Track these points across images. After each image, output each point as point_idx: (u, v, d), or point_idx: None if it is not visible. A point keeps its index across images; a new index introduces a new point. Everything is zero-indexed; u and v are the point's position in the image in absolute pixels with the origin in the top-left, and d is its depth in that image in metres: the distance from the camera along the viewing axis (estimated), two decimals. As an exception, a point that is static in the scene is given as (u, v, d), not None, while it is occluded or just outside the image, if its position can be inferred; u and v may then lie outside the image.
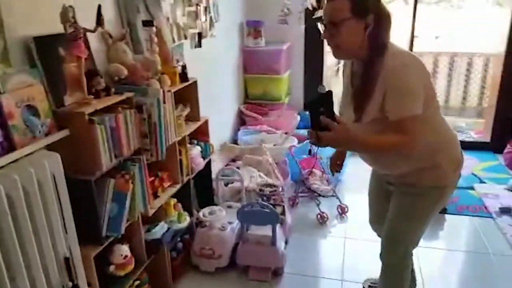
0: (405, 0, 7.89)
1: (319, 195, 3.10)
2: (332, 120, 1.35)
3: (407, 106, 1.41)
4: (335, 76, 4.90)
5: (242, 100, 4.12)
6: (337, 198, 3.06)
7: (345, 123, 1.39)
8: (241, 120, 4.03)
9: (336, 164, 2.02)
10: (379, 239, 2.71)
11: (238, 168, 3.06)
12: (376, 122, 1.48)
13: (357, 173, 3.60)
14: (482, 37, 4.80)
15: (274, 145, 3.55)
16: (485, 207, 3.03)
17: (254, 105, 4.09)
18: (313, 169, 3.13)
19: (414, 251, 1.82)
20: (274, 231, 2.28)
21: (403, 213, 1.69)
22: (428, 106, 1.47)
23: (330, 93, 1.37)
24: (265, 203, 2.41)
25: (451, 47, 5.07)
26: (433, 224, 2.90)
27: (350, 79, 1.62)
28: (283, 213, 2.56)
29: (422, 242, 2.54)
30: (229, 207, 2.68)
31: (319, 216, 2.91)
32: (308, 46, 4.11)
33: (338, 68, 4.82)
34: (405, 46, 4.56)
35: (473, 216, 2.96)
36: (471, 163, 3.66)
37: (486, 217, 2.94)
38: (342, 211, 3.01)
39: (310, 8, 3.76)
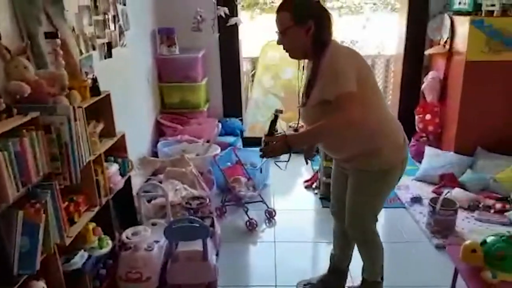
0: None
1: (246, 201, 3.09)
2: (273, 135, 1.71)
3: (339, 84, 1.60)
4: (251, 82, 4.98)
5: (159, 110, 3.99)
6: (264, 203, 3.08)
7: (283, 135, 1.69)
8: (160, 131, 3.89)
9: (309, 153, 2.14)
10: (309, 240, 2.84)
11: (160, 182, 2.94)
12: (317, 107, 1.72)
13: (282, 176, 3.69)
14: (383, 40, 5.19)
15: (197, 154, 3.47)
16: (398, 198, 3.26)
17: (172, 114, 3.98)
18: (239, 176, 3.12)
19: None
20: (205, 245, 2.21)
21: (355, 191, 1.90)
22: (366, 90, 1.68)
23: (276, 115, 1.76)
24: (193, 217, 2.33)
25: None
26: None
27: (306, 72, 1.89)
28: (212, 225, 2.50)
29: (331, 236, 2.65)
30: (154, 224, 2.55)
31: (248, 223, 2.90)
32: (224, 53, 4.10)
33: (253, 74, 4.90)
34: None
35: (389, 208, 3.16)
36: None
37: (400, 207, 3.17)
38: (270, 215, 3.04)
39: (223, 15, 3.76)
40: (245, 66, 4.78)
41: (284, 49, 1.77)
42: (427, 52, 3.80)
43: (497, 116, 3.42)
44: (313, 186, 3.49)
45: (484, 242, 1.84)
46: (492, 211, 2.97)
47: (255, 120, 4.58)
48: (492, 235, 1.86)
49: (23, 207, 1.50)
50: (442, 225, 2.76)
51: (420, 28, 3.84)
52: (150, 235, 2.38)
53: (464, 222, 2.89)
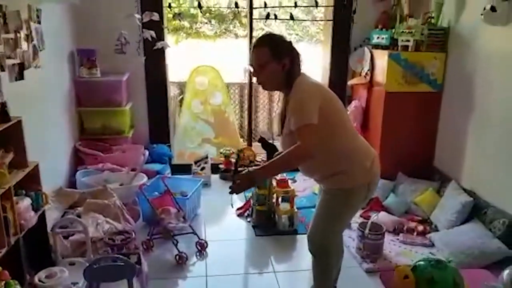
0: (235, 35, 8.42)
1: (176, 234, 2.91)
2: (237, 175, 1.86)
3: (300, 118, 1.76)
4: (179, 107, 4.84)
5: (77, 136, 3.69)
6: (195, 234, 2.93)
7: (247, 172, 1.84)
8: (79, 160, 3.59)
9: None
10: (241, 271, 2.74)
11: (79, 216, 2.68)
12: (291, 135, 1.84)
13: (213, 205, 3.59)
14: (309, 70, 5.40)
15: (121, 184, 3.24)
16: (328, 224, 3.30)
17: (93, 141, 3.71)
18: (168, 207, 2.95)
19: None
20: (130, 285, 2.02)
21: (321, 206, 2.05)
22: (332, 120, 1.87)
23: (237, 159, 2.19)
24: (118, 255, 2.13)
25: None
26: (285, 247, 3.04)
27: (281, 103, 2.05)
28: (138, 262, 2.30)
29: (279, 267, 2.60)
30: (72, 264, 2.31)
31: (177, 256, 2.73)
32: (150, 77, 3.96)
33: (181, 99, 4.78)
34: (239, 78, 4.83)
35: (320, 233, 3.18)
36: (310, 183, 3.98)
37: (330, 233, 3.20)
38: (201, 247, 2.90)
39: (150, 39, 3.63)
40: (172, 91, 4.66)
41: (258, 82, 1.94)
42: (349, 83, 4.00)
43: (414, 143, 3.64)
44: (246, 214, 3.42)
45: (414, 268, 1.90)
46: (415, 233, 3.11)
47: (183, 147, 4.44)
48: (421, 260, 1.92)
49: None
50: (371, 249, 2.82)
51: (343, 59, 4.05)
52: (67, 276, 2.15)
53: (391, 245, 2.98)
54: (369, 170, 1.99)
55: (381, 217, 3.17)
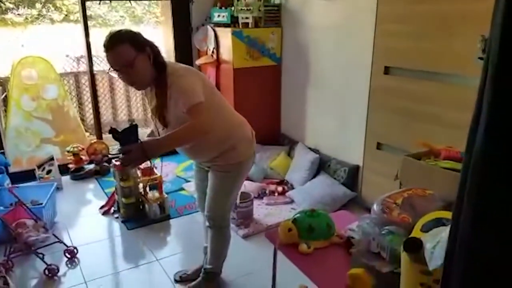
0: (51, 20, 7.56)
1: (39, 247, 2.59)
2: (128, 145, 1.63)
3: (190, 97, 1.74)
4: (3, 107, 4.18)
5: None
6: (62, 242, 2.65)
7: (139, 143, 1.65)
8: None
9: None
10: (125, 269, 2.62)
11: None
12: (180, 124, 1.76)
13: (70, 209, 3.28)
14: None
15: (-49, 206, 2.68)
16: (199, 202, 3.38)
17: None
18: (23, 219, 2.58)
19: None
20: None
21: (214, 187, 2.09)
22: (213, 98, 1.90)
23: (131, 126, 1.67)
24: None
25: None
26: (161, 234, 3.02)
27: (149, 100, 1.98)
28: (6, 283, 1.99)
29: (161, 254, 2.73)
30: None
31: (47, 270, 2.45)
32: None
33: (5, 97, 4.14)
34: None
35: (192, 213, 3.24)
36: (172, 167, 3.98)
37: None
38: (71, 254, 2.65)
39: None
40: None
41: (129, 83, 1.84)
42: (197, 62, 4.05)
43: (263, 113, 3.96)
44: (112, 211, 3.23)
45: (294, 220, 2.12)
46: (276, 194, 3.45)
47: (19, 151, 3.87)
48: (298, 213, 2.15)
49: None
50: (243, 216, 3.03)
51: (186, 39, 4.07)
52: None
53: (258, 209, 3.24)
54: (252, 140, 2.14)
55: (246, 185, 3.40)
